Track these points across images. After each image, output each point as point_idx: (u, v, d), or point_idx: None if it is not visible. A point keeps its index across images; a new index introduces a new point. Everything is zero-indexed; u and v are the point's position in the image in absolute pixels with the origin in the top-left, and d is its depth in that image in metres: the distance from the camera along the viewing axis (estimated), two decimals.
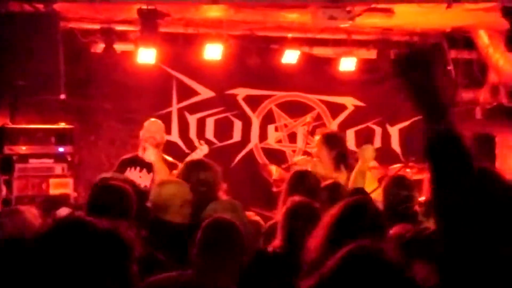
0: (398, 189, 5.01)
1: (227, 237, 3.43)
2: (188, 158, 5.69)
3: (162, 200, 4.30)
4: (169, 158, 6.21)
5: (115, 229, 1.73)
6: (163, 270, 3.44)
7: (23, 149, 7.68)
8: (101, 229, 1.72)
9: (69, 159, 7.87)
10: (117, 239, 1.72)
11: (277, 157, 8.99)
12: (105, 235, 1.71)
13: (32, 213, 4.17)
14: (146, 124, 6.37)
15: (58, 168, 7.75)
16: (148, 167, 6.07)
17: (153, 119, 6.45)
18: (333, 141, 6.58)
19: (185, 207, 4.31)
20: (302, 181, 5.00)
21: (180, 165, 5.31)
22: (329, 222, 2.80)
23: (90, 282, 1.64)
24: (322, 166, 6.32)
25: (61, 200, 6.75)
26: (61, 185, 7.65)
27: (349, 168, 6.18)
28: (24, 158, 7.63)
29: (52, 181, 7.66)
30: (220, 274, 3.32)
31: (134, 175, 6.14)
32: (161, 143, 6.17)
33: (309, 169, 5.96)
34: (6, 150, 7.60)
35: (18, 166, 7.46)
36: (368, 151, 5.96)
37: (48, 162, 7.74)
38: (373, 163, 6.42)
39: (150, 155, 5.72)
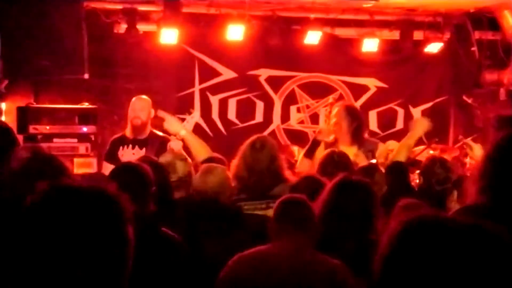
0: (438, 169, 5.10)
1: (300, 210, 3.58)
2: (182, 125, 5.71)
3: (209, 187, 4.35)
4: (160, 133, 6.31)
5: (102, 190, 1.72)
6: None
7: (47, 128, 7.75)
8: (88, 191, 1.71)
9: (93, 138, 7.93)
10: (105, 199, 1.71)
11: (299, 138, 8.98)
12: (92, 196, 1.71)
13: None
14: (132, 101, 6.48)
15: (82, 148, 7.81)
16: (139, 143, 6.21)
17: (142, 96, 6.52)
18: (355, 114, 6.61)
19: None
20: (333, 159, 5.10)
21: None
22: None
23: (83, 246, 1.65)
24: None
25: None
26: (85, 165, 7.71)
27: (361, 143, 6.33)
28: (48, 137, 7.70)
29: (76, 160, 7.72)
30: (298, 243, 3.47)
31: (127, 153, 6.26)
32: (147, 121, 6.28)
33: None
34: (31, 129, 7.67)
35: (42, 145, 7.51)
36: (422, 124, 6.01)
37: (72, 141, 7.80)
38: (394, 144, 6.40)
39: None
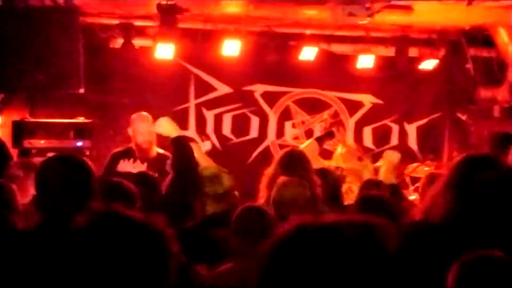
0: None
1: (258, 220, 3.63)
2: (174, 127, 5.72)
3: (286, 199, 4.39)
4: (161, 151, 6.30)
5: (151, 222, 1.71)
6: None
7: (41, 143, 7.74)
8: (138, 222, 1.70)
9: (87, 153, 7.90)
10: (155, 232, 1.70)
11: None
12: (143, 228, 1.69)
13: None
14: (134, 121, 6.44)
15: None
16: (142, 159, 6.19)
17: (143, 114, 6.50)
18: None
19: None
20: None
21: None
22: None
23: (129, 278, 1.63)
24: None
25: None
26: None
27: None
28: (43, 152, 7.66)
29: None
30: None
31: (127, 166, 6.24)
32: (152, 140, 6.26)
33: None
34: (26, 143, 7.66)
35: (36, 160, 7.49)
36: (392, 158, 6.25)
37: None
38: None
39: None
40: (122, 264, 1.63)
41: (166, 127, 4.73)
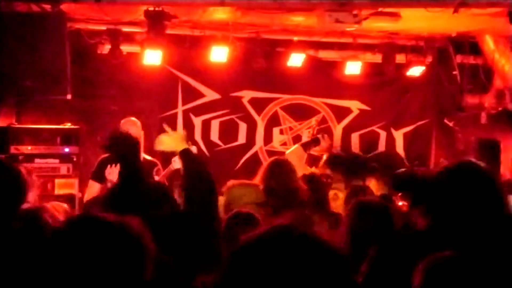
0: None
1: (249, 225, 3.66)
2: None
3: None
4: (148, 157, 6.30)
5: (127, 223, 1.73)
6: None
7: (28, 149, 7.70)
8: (114, 223, 1.72)
9: (75, 159, 7.89)
10: (131, 233, 1.72)
11: None
12: (119, 230, 1.71)
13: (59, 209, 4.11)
14: (123, 125, 6.45)
15: (64, 168, 7.77)
16: None
17: (132, 119, 6.50)
18: None
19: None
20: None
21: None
22: None
23: (106, 278, 1.65)
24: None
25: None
26: (66, 185, 7.67)
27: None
28: (29, 158, 7.65)
29: (57, 181, 7.68)
30: None
31: (114, 172, 6.23)
32: (141, 145, 6.26)
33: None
34: (12, 149, 7.62)
35: (23, 166, 7.46)
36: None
37: (54, 162, 7.75)
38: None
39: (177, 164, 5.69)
40: (98, 265, 1.65)
41: (168, 142, 4.66)
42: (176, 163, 5.17)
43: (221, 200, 4.57)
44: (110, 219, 1.72)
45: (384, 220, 3.78)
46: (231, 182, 5.09)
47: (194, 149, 6.12)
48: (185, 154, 4.18)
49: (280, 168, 5.13)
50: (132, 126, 6.42)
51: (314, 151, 7.30)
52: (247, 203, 4.41)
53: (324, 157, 7.07)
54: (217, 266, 3.73)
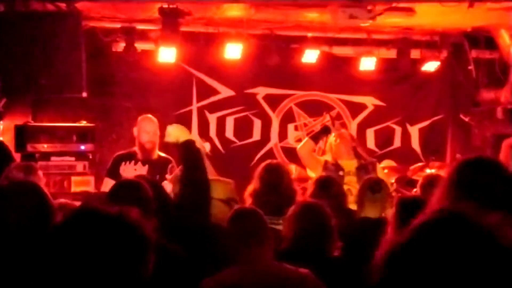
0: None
1: (254, 222, 3.63)
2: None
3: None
4: (163, 154, 6.32)
5: (127, 214, 1.73)
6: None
7: (45, 147, 7.74)
8: (113, 215, 1.72)
9: (90, 157, 7.91)
10: (131, 225, 1.72)
11: (296, 156, 8.97)
12: (119, 221, 1.71)
13: None
14: (140, 121, 6.46)
15: (80, 166, 7.81)
16: (143, 162, 6.21)
17: (149, 116, 6.52)
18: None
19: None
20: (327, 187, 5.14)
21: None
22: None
23: (106, 271, 1.66)
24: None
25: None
26: (82, 183, 7.70)
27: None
28: (46, 156, 7.69)
29: (73, 179, 7.71)
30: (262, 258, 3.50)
31: (128, 168, 6.25)
32: (156, 143, 6.28)
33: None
34: (29, 148, 7.66)
35: (40, 163, 7.51)
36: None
37: (70, 160, 7.79)
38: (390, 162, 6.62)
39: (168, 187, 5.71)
40: (99, 257, 1.65)
41: (174, 133, 4.65)
42: (167, 186, 5.14)
43: None
44: (109, 210, 1.72)
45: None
46: None
47: (207, 146, 6.15)
48: (185, 146, 4.30)
49: (271, 173, 5.04)
50: (149, 123, 6.43)
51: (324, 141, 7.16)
52: (212, 198, 4.37)
53: (332, 139, 6.91)
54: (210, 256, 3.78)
